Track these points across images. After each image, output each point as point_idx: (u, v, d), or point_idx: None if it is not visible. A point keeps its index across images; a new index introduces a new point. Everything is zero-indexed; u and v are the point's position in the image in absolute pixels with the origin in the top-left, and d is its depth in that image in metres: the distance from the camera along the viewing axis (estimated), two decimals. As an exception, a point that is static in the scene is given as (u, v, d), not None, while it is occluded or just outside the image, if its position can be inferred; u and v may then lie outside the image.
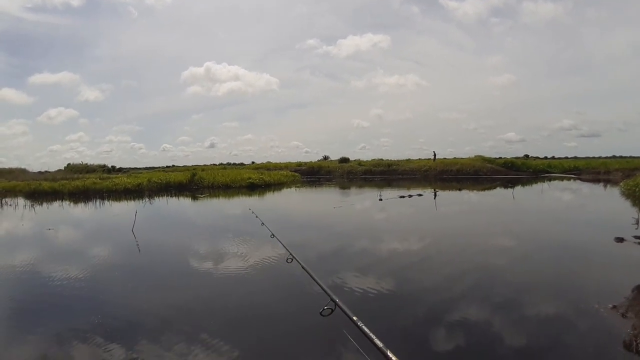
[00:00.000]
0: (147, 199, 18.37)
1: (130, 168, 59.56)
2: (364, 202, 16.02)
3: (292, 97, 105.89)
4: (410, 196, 16.42)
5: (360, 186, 25.78)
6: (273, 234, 6.66)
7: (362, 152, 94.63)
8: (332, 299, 3.02)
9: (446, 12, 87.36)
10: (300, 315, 4.23)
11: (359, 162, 41.30)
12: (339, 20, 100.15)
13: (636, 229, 7.78)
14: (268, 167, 42.95)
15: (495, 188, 21.88)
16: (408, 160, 39.84)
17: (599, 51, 78.17)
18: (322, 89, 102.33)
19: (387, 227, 10.33)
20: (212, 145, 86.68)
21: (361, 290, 4.77)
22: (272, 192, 21.83)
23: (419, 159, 40.62)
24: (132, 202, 17.67)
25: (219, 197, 19.50)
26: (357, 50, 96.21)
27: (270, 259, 6.44)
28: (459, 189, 21.53)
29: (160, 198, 19.17)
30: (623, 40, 77.14)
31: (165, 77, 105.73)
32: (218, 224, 11.28)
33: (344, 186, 26.19)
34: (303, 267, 4.20)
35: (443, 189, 22.08)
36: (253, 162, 58.82)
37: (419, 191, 18.95)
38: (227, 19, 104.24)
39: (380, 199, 15.66)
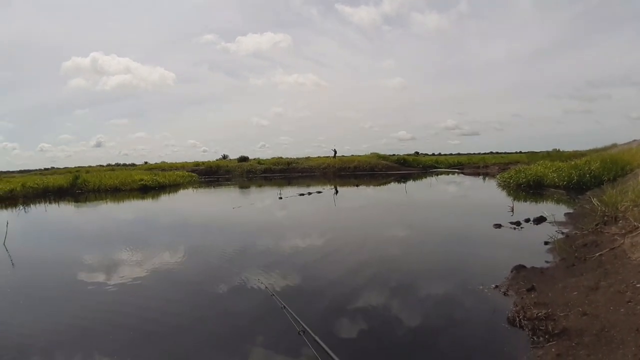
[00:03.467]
0: (21, 207, 16.12)
1: (1, 172, 52.30)
2: (265, 201, 15.53)
3: (188, 93, 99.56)
4: (309, 194, 16.44)
5: (260, 185, 25.11)
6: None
7: (262, 150, 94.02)
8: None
9: (343, 17, 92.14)
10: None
11: (259, 161, 40.40)
12: (239, 17, 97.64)
13: (511, 215, 8.66)
14: (163, 167, 39.36)
15: (389, 183, 23.49)
16: (307, 158, 40.34)
17: (479, 58, 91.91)
18: (221, 85, 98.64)
19: (288, 224, 10.22)
20: (98, 144, 77.52)
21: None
22: (167, 194, 20.41)
23: (319, 156, 41.45)
24: (4, 211, 15.46)
25: (106, 201, 17.68)
26: (257, 48, 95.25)
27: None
28: (357, 185, 22.49)
29: (38, 205, 16.99)
30: (500, 49, 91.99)
31: (45, 67, 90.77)
32: (106, 230, 10.26)
33: (243, 185, 25.31)
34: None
35: (342, 185, 22.77)
36: (146, 163, 54.16)
37: (319, 188, 19.04)
38: (117, 5, 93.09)
39: (280, 198, 15.42)
